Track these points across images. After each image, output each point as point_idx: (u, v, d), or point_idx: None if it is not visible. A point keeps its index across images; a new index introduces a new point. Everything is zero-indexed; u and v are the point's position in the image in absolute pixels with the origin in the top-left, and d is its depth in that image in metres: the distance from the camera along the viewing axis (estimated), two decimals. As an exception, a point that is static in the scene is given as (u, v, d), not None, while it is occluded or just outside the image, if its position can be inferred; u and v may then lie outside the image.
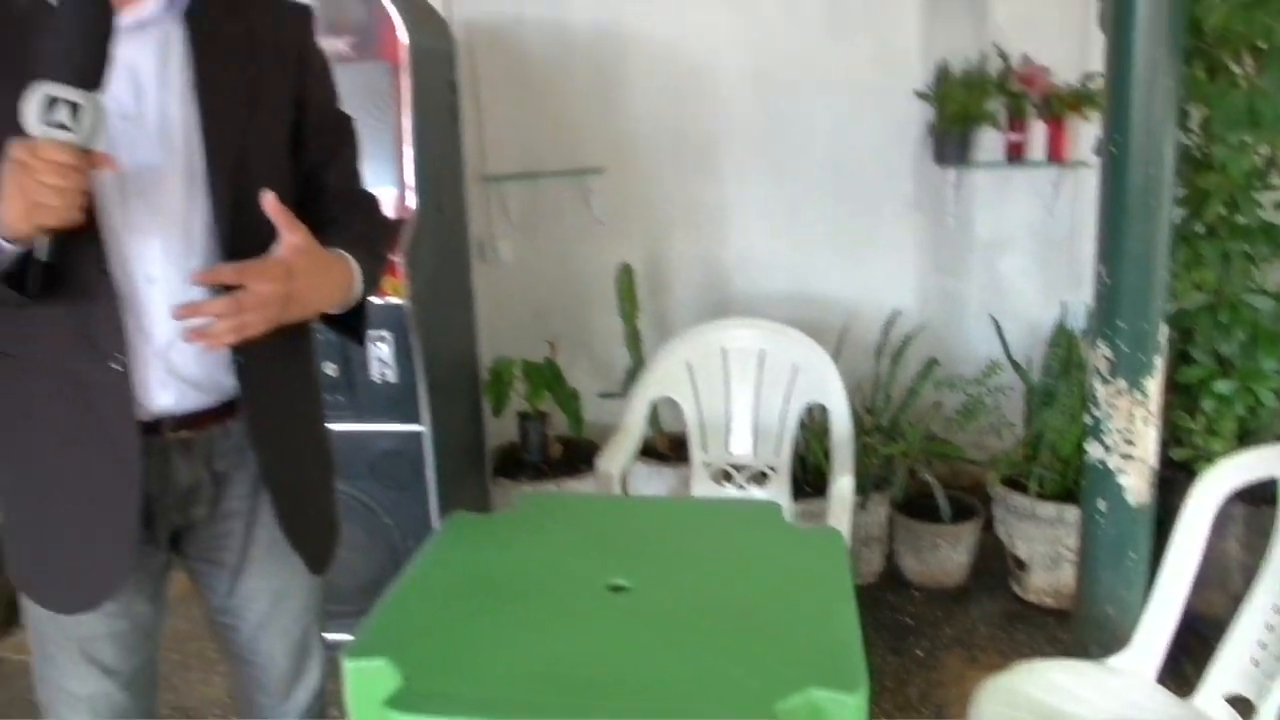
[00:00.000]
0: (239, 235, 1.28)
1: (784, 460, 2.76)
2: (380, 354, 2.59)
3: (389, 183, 2.54)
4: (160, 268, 1.26)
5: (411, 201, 2.54)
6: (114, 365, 1.24)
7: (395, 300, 2.52)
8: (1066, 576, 2.79)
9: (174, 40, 1.27)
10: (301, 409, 1.49)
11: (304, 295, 1.24)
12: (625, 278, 3.27)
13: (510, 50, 3.48)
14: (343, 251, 1.33)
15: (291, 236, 1.23)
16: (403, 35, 2.49)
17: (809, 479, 3.02)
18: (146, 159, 1.25)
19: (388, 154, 2.55)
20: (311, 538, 1.48)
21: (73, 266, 1.18)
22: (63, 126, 1.07)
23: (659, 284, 3.60)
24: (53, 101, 1.07)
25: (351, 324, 1.43)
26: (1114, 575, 2.25)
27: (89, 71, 1.10)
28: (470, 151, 3.34)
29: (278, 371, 1.39)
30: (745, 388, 2.84)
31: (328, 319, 1.40)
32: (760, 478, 2.76)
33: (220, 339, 1.19)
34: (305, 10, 1.43)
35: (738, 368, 2.84)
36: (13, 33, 1.19)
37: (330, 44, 2.51)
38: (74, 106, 1.07)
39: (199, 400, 1.33)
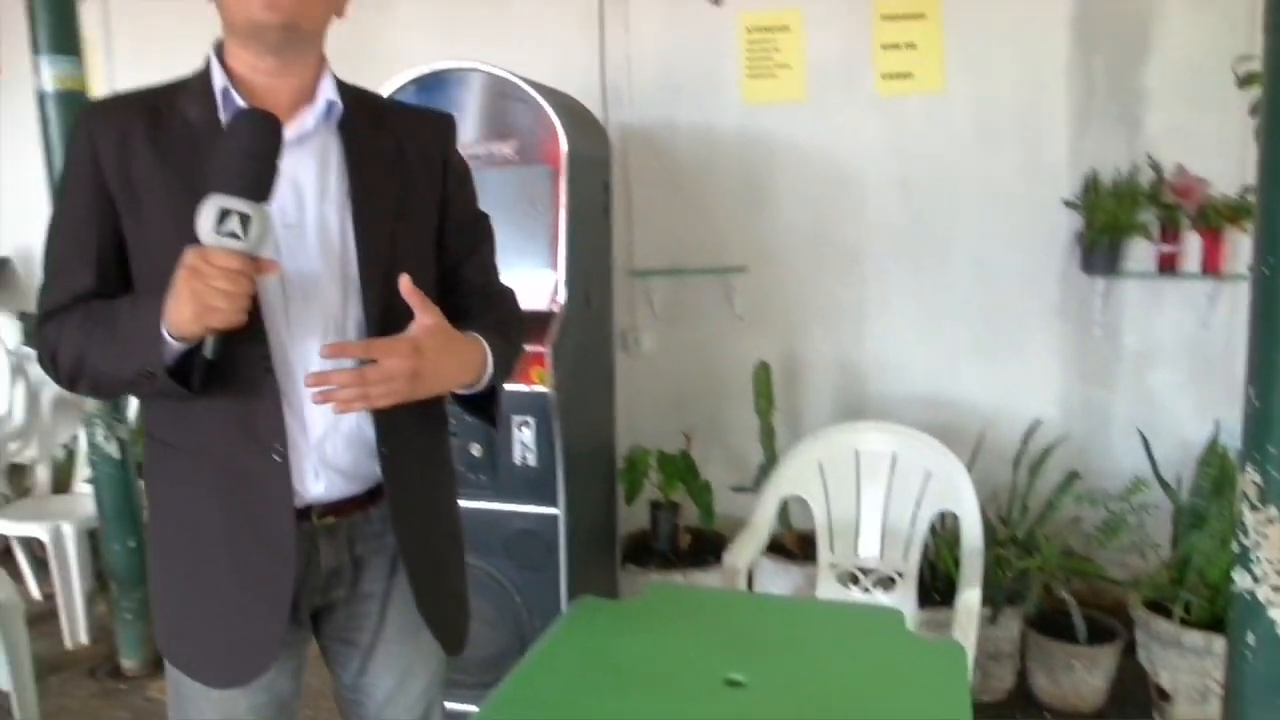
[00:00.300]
0: (388, 333, 1.33)
1: (912, 566, 2.74)
2: (523, 438, 2.72)
3: (541, 277, 2.71)
4: (318, 365, 1.32)
5: (561, 295, 2.69)
6: (275, 456, 1.32)
7: (539, 388, 2.65)
8: (1215, 712, 2.64)
9: (331, 152, 1.37)
10: (438, 495, 1.55)
11: (432, 373, 1.30)
12: (762, 375, 3.34)
13: (662, 153, 3.66)
14: (476, 334, 1.39)
15: (424, 317, 1.30)
16: (564, 143, 2.67)
17: (938, 587, 2.97)
18: (307, 265, 1.34)
19: (542, 249, 2.72)
20: (446, 618, 1.52)
21: (237, 364, 1.27)
22: (233, 235, 1.15)
23: (795, 382, 3.65)
24: (225, 213, 1.15)
25: (486, 406, 1.49)
26: (1264, 716, 2.12)
27: (258, 185, 1.19)
28: (620, 246, 3.50)
29: (417, 460, 1.46)
30: (876, 491, 2.84)
31: (462, 400, 1.46)
32: (887, 583, 2.74)
33: (347, 405, 1.26)
34: (447, 119, 1.53)
35: (869, 470, 2.85)
36: (187, 147, 1.30)
37: (496, 148, 2.74)
38: (244, 217, 1.16)
39: (346, 488, 1.40)
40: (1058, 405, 3.48)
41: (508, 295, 1.60)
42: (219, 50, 1.37)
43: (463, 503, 2.71)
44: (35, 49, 3.16)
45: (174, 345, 1.22)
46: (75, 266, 1.33)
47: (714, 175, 3.63)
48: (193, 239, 1.17)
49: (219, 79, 1.34)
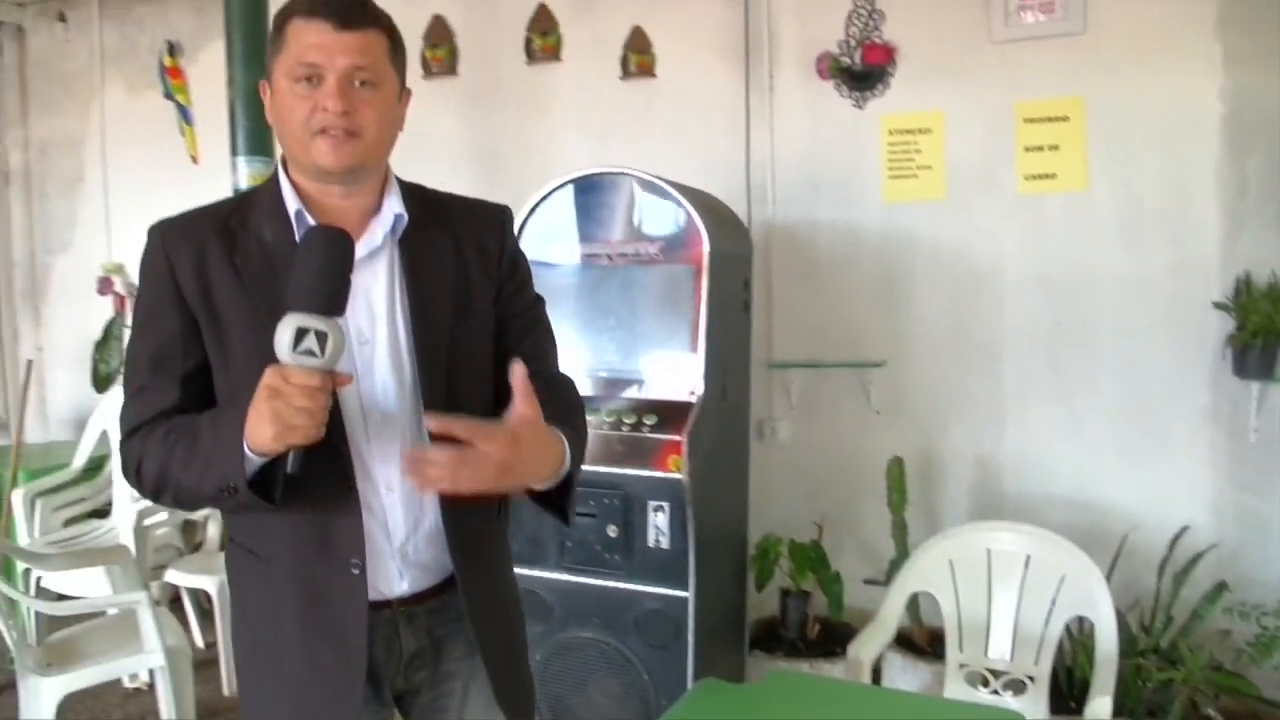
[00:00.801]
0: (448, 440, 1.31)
1: (1043, 671, 2.69)
2: (657, 522, 2.84)
3: (681, 369, 2.85)
4: (398, 476, 1.37)
5: (699, 386, 2.82)
6: (353, 570, 1.36)
7: (675, 474, 2.77)
8: None
9: (395, 262, 1.41)
10: (503, 578, 1.59)
11: (522, 466, 1.29)
12: (896, 469, 3.37)
13: (803, 248, 3.78)
14: (557, 430, 1.38)
15: (524, 407, 1.28)
16: (705, 243, 2.84)
17: (1074, 694, 2.90)
18: (382, 378, 1.38)
19: (683, 343, 2.87)
20: (516, 696, 1.54)
21: (318, 478, 1.29)
22: (310, 353, 1.18)
23: (931, 477, 3.65)
24: (302, 332, 1.18)
25: (557, 501, 1.46)
26: None
27: (333, 301, 1.22)
28: (759, 338, 3.62)
29: (487, 550, 1.52)
30: (1008, 591, 2.82)
31: (534, 495, 1.44)
32: (1018, 686, 2.70)
33: (433, 484, 1.26)
34: (501, 210, 1.56)
35: (1001, 570, 2.83)
36: (265, 268, 1.35)
37: (643, 247, 2.92)
38: (320, 334, 1.18)
39: (427, 581, 1.46)
40: (1207, 511, 3.36)
41: (568, 383, 1.59)
42: (285, 164, 1.42)
43: (596, 581, 2.92)
44: (234, 150, 3.55)
45: (255, 460, 1.24)
46: (159, 383, 1.36)
47: (854, 270, 3.73)
48: (273, 358, 1.20)
49: (291, 201, 1.39)
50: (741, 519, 3.35)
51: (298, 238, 1.36)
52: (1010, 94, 3.50)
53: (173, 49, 4.90)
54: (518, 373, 1.28)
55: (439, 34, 4.27)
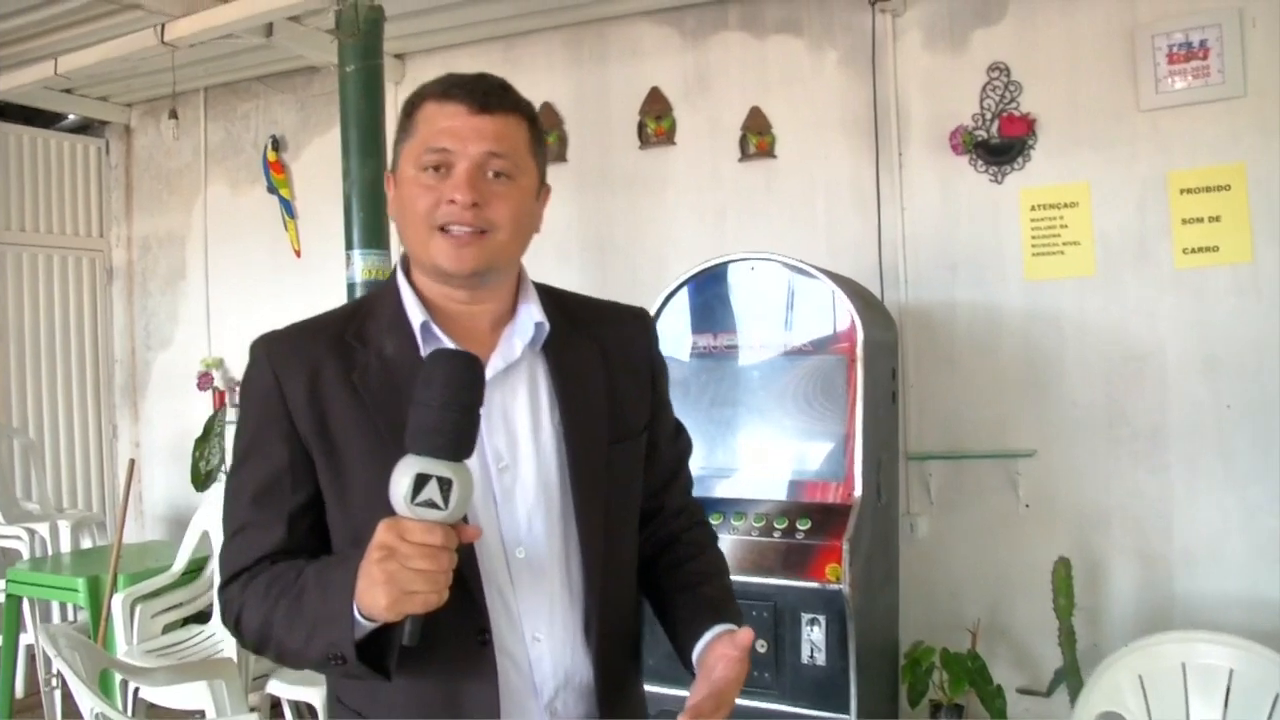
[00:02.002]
0: (609, 575, 1.23)
1: (1271, 811, 2.35)
2: (812, 636, 2.59)
3: (834, 470, 2.63)
4: (546, 624, 1.20)
5: (857, 487, 2.59)
6: None
7: (832, 584, 2.53)
8: None
9: (539, 376, 1.24)
10: None
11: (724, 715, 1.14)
12: (1062, 571, 3.07)
13: (939, 332, 3.55)
14: (734, 629, 1.22)
15: (739, 654, 1.15)
16: (860, 330, 2.63)
17: (1298, 835, 2.53)
18: (526, 509, 1.19)
19: (835, 440, 2.65)
20: None
21: (448, 634, 1.10)
22: (432, 505, 0.99)
23: (1090, 577, 3.33)
24: (422, 479, 0.99)
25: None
26: None
27: (458, 443, 1.02)
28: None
29: (631, 697, 1.34)
30: (1210, 712, 2.49)
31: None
32: (1238, 828, 2.36)
33: None
34: (646, 316, 1.40)
35: (1200, 687, 2.50)
36: (387, 388, 1.16)
37: (787, 338, 2.72)
38: (443, 482, 0.99)
39: None
40: None
41: (711, 533, 1.44)
42: (406, 265, 1.26)
43: (743, 701, 2.62)
44: (349, 243, 3.47)
45: (366, 625, 1.06)
46: (264, 520, 1.19)
47: (995, 354, 3.48)
48: (382, 497, 1.02)
49: (415, 311, 1.21)
50: (893, 625, 3.09)
51: (422, 351, 1.18)
52: (1163, 163, 3.28)
53: (276, 144, 4.93)
54: (744, 640, 1.15)
55: (547, 120, 4.18)
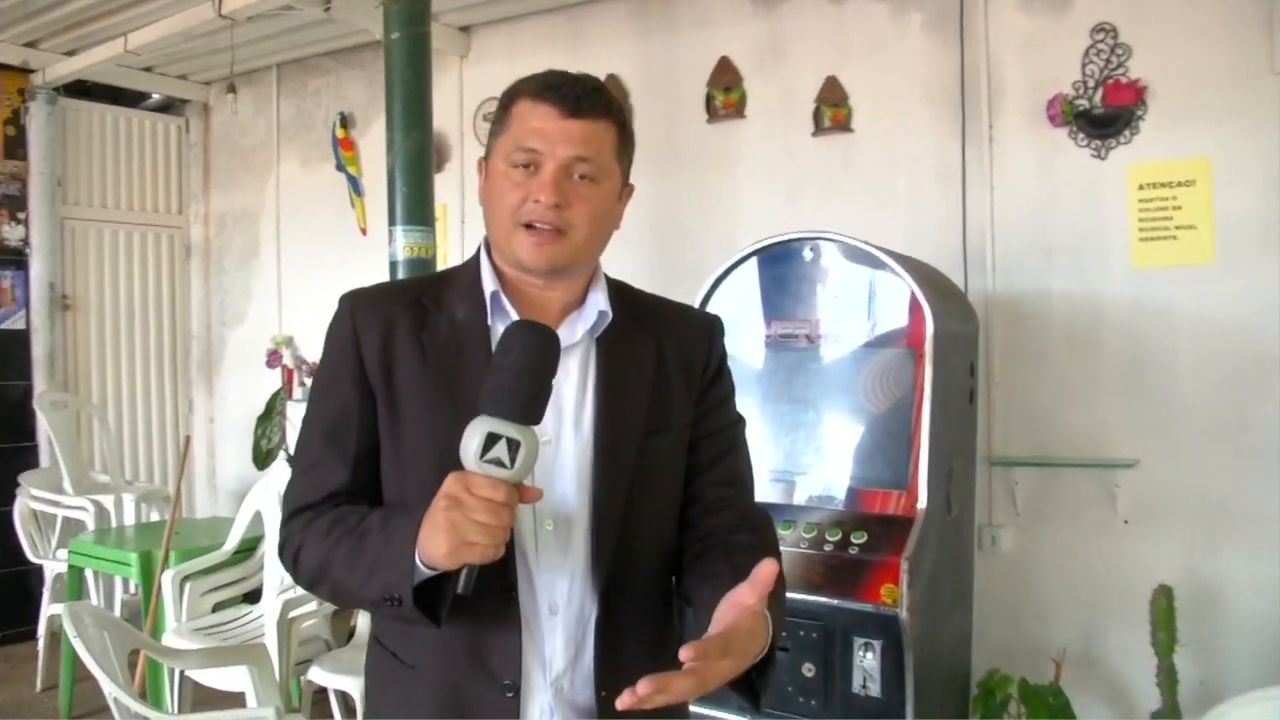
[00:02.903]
0: (621, 565, 1.25)
1: None
2: (864, 663, 2.32)
3: (895, 475, 2.34)
4: (564, 596, 1.24)
5: (921, 498, 2.30)
6: (507, 693, 1.21)
7: (890, 608, 2.24)
8: None
9: (592, 360, 1.29)
10: None
11: (731, 669, 1.08)
12: (1163, 601, 2.70)
13: (1030, 324, 3.21)
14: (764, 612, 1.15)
15: (753, 602, 1.08)
16: (929, 322, 2.34)
17: None
18: (562, 486, 1.24)
19: (899, 443, 2.36)
20: None
21: (480, 588, 1.13)
22: (499, 463, 1.05)
23: (1198, 607, 2.93)
24: (493, 438, 1.05)
25: (749, 683, 1.21)
26: None
27: (531, 408, 1.08)
28: (979, 430, 3.05)
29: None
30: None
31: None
32: None
33: (651, 703, 1.02)
34: (714, 321, 1.43)
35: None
36: (453, 350, 1.24)
37: (848, 327, 2.44)
38: (513, 443, 1.05)
39: None
40: None
41: (766, 526, 1.37)
42: (488, 245, 1.32)
43: (789, 730, 2.40)
44: (391, 219, 3.33)
45: (424, 572, 1.12)
46: (331, 460, 1.26)
47: (1094, 350, 3.12)
48: (449, 450, 1.09)
49: (489, 281, 1.29)
50: (964, 651, 2.79)
51: (490, 320, 1.27)
52: (1301, 135, 2.86)
53: (345, 120, 4.85)
54: (765, 571, 1.08)
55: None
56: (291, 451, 4.87)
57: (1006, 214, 3.25)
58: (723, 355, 1.41)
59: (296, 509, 1.26)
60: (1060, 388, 3.17)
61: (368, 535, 1.18)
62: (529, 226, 1.22)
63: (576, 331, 1.28)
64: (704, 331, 1.40)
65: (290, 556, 1.26)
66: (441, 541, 1.07)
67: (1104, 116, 3.07)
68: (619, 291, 1.35)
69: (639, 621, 1.28)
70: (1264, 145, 2.89)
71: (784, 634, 2.26)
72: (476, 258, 1.33)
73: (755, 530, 1.33)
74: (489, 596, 1.18)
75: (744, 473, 1.40)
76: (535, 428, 1.11)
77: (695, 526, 1.33)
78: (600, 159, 1.24)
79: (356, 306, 1.30)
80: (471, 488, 1.06)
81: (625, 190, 1.32)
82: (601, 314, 1.29)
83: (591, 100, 1.24)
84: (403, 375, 1.25)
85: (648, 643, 1.29)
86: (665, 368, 1.32)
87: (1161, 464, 3.02)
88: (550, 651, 1.23)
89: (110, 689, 2.38)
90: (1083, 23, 3.12)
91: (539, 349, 1.10)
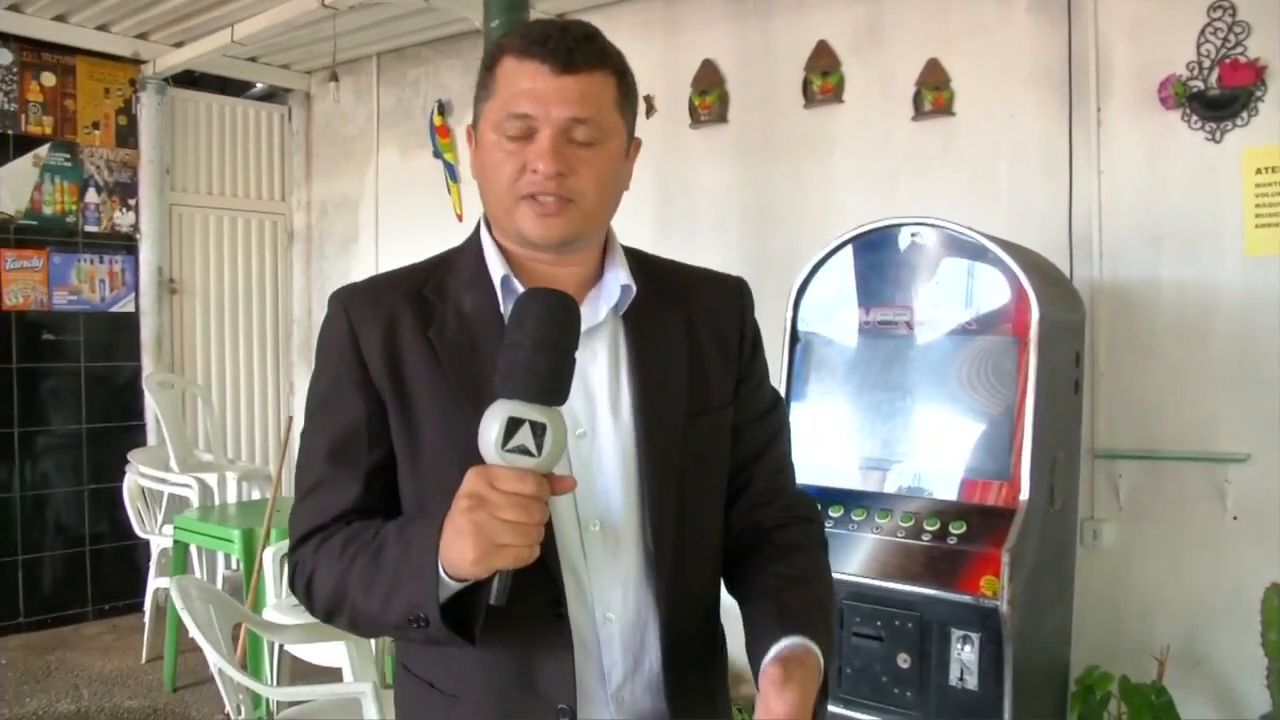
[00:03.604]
0: (681, 556, 1.16)
1: None
2: (962, 655, 2.29)
3: (997, 466, 2.30)
4: (619, 603, 1.14)
5: (1024, 489, 2.26)
6: (561, 717, 1.10)
7: (989, 600, 2.21)
8: None
9: (620, 341, 1.18)
10: None
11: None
12: (1275, 601, 2.60)
13: (1138, 313, 3.11)
14: (810, 645, 1.07)
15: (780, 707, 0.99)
16: (1034, 309, 2.29)
17: None
18: (604, 481, 1.14)
19: (1001, 432, 2.32)
20: None
21: (523, 605, 1.03)
22: (524, 451, 0.93)
23: (1314, 607, 2.84)
24: (514, 424, 0.93)
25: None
26: None
27: (554, 386, 0.96)
28: (1083, 421, 2.98)
29: (706, 702, 1.23)
30: None
31: None
32: None
33: None
34: (740, 284, 1.30)
35: None
36: (465, 344, 1.13)
37: (950, 314, 2.40)
38: (537, 427, 0.93)
39: None
40: None
41: (815, 534, 1.27)
42: (489, 222, 1.20)
43: (879, 720, 2.39)
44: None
45: (451, 585, 0.99)
46: (338, 479, 1.14)
47: (1206, 341, 3.01)
48: (473, 457, 0.95)
49: (497, 265, 1.16)
50: (1063, 647, 2.73)
51: (503, 308, 1.14)
52: None
53: (442, 108, 4.93)
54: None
55: (709, 79, 3.96)
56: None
57: (1114, 200, 3.15)
58: (755, 324, 1.30)
59: (305, 534, 1.15)
60: (1168, 379, 3.07)
61: (384, 550, 1.05)
62: (530, 198, 1.10)
63: (600, 310, 1.17)
64: (734, 297, 1.29)
65: (303, 586, 1.14)
66: (468, 547, 0.94)
67: (1220, 98, 2.96)
68: (638, 261, 1.24)
69: (699, 620, 1.22)
70: (1393, 127, 2.76)
71: (879, 623, 2.28)
72: (476, 238, 1.20)
73: (805, 522, 1.26)
74: (535, 613, 1.09)
75: (789, 458, 1.31)
76: (567, 417, 1.00)
77: (743, 518, 1.25)
78: (601, 117, 1.11)
79: (350, 304, 1.17)
80: (496, 482, 0.94)
81: (632, 145, 1.19)
82: (625, 288, 1.18)
83: (584, 51, 1.10)
84: (413, 378, 1.13)
85: (705, 640, 1.23)
86: (699, 341, 1.21)
87: (1275, 459, 2.90)
88: (609, 663, 1.14)
89: (215, 660, 2.47)
90: (1199, 1, 3.00)
91: (556, 319, 0.97)
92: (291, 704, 2.77)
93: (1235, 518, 2.96)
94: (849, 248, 2.68)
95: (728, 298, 1.28)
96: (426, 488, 1.11)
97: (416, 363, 1.13)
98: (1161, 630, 3.00)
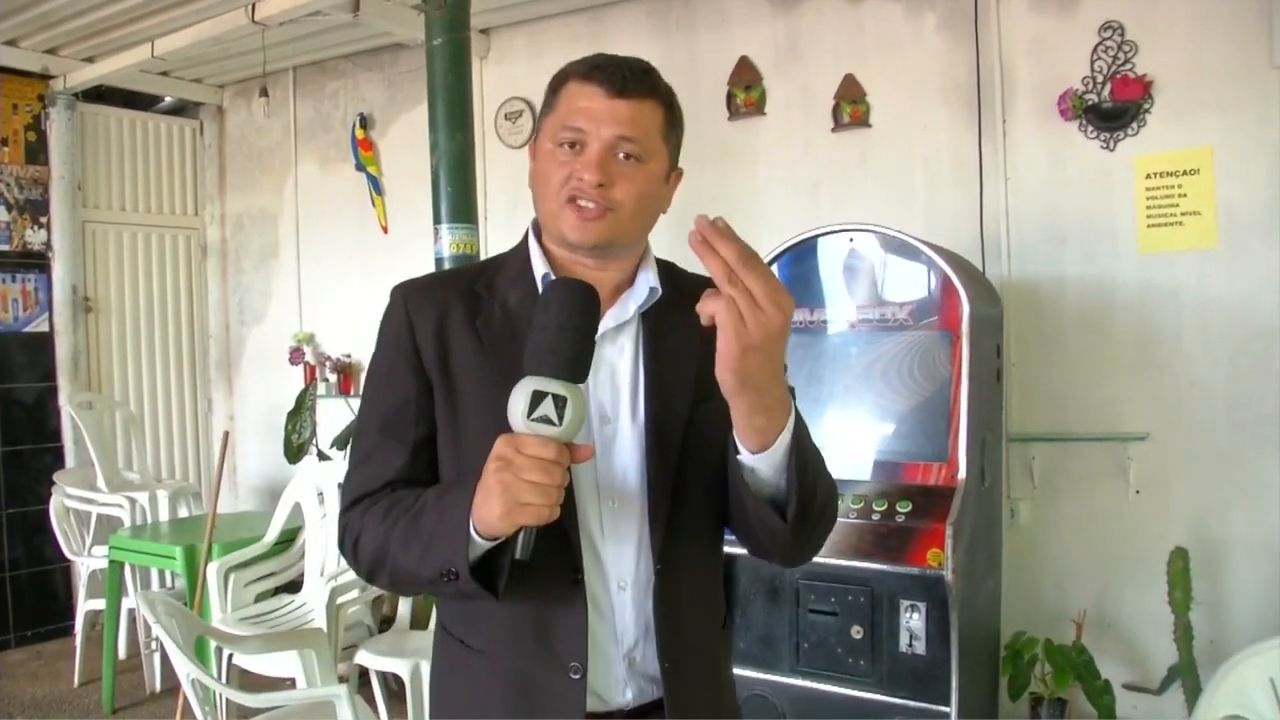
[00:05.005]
0: (674, 530, 1.25)
1: None
2: (910, 624, 2.48)
3: (936, 450, 2.50)
4: (632, 573, 1.25)
5: (960, 469, 2.47)
6: (572, 674, 1.22)
7: (933, 570, 2.41)
8: None
9: (641, 339, 1.29)
10: (726, 705, 1.40)
11: (777, 334, 1.08)
12: (1179, 562, 2.89)
13: (1045, 307, 3.38)
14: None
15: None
16: (965, 305, 2.50)
17: None
18: (623, 462, 1.25)
19: (937, 419, 2.53)
20: None
21: (543, 568, 1.16)
22: (547, 420, 1.06)
23: (1209, 570, 3.12)
24: (538, 396, 1.06)
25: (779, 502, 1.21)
26: None
27: (574, 364, 1.08)
28: (996, 409, 3.23)
29: (708, 665, 1.34)
30: (1348, 718, 2.31)
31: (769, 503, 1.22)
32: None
33: (723, 261, 1.06)
34: None
35: (1337, 691, 2.33)
36: (507, 335, 1.24)
37: (887, 312, 2.60)
38: (558, 400, 1.06)
39: (654, 693, 1.28)
40: None
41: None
42: (537, 228, 1.33)
43: (836, 688, 2.56)
44: (436, 218, 3.44)
45: (480, 543, 1.13)
46: (387, 450, 1.27)
47: (1106, 331, 3.30)
48: (506, 429, 1.09)
49: (539, 264, 1.29)
50: (995, 615, 2.96)
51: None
52: (1298, 125, 3.04)
53: (364, 121, 4.95)
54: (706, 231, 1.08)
55: (634, 92, 4.10)
56: (321, 448, 4.92)
57: (1020, 204, 3.42)
58: None
59: (355, 498, 1.27)
60: (1073, 367, 3.35)
61: (423, 513, 1.19)
62: (573, 202, 1.22)
63: (629, 309, 1.28)
64: None
65: (350, 546, 1.27)
66: (496, 504, 1.07)
67: (1112, 110, 3.25)
68: (668, 271, 1.35)
69: (695, 590, 1.30)
70: (1263, 136, 3.08)
71: (833, 599, 2.44)
72: (525, 243, 1.33)
73: None
74: (554, 578, 1.21)
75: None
76: (595, 406, 1.15)
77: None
78: (646, 139, 1.23)
79: (409, 296, 1.30)
80: (521, 447, 1.06)
81: (674, 174, 1.32)
82: (652, 290, 1.29)
83: (638, 81, 1.23)
84: (459, 362, 1.26)
85: (704, 611, 1.32)
86: (708, 336, 1.22)
87: (1170, 437, 3.20)
88: (621, 627, 1.25)
89: (192, 671, 2.50)
90: (1091, 21, 3.29)
91: (577, 306, 1.10)
92: (268, 709, 2.80)
93: (1138, 491, 3.25)
94: (797, 249, 2.83)
95: None
96: (466, 459, 1.22)
97: (463, 349, 1.26)
98: (1077, 596, 3.27)
